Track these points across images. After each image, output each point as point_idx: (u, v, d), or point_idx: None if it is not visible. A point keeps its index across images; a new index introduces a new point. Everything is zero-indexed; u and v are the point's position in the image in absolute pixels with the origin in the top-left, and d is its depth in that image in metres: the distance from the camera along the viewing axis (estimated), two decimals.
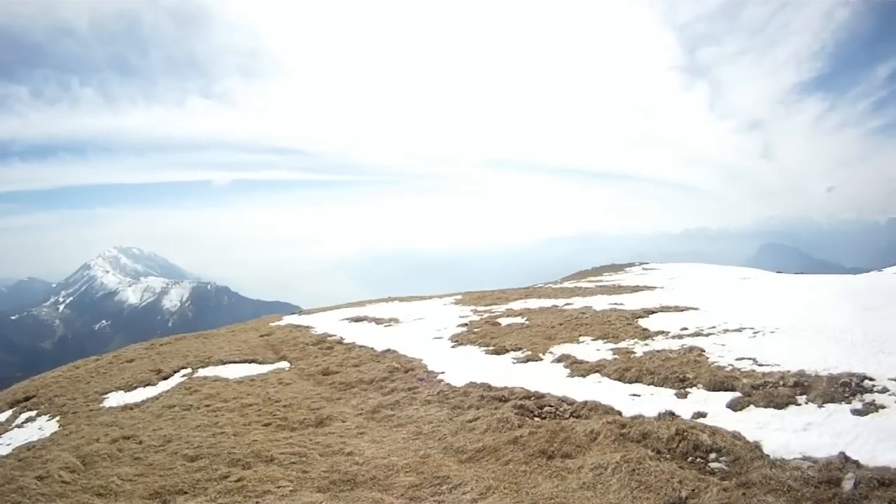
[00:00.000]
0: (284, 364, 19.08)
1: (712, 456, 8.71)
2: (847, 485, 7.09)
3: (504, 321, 23.70)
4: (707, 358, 14.50)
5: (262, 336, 25.29)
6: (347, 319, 28.68)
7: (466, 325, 23.73)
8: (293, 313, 36.43)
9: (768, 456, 8.53)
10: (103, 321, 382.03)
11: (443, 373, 15.56)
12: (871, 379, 11.37)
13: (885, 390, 10.80)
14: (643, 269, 58.03)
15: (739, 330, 17.73)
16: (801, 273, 51.23)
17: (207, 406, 14.18)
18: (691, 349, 15.53)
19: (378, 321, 27.04)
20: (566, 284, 44.89)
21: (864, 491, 6.95)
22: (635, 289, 34.66)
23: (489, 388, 13.34)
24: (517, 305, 29.02)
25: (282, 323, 30.29)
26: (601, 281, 44.73)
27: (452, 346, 19.65)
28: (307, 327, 26.78)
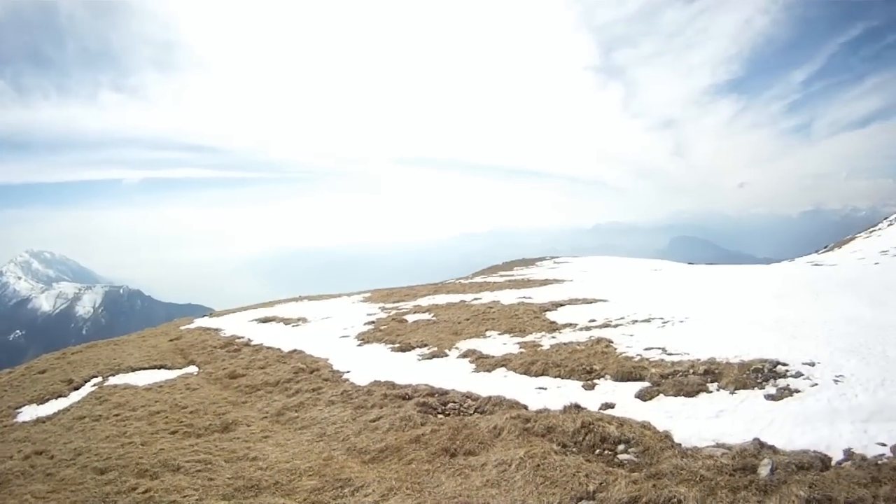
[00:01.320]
0: (193, 369, 18.93)
1: (620, 447, 8.63)
2: (763, 471, 7.05)
3: (411, 318, 23.89)
4: (615, 349, 14.68)
5: (171, 340, 24.98)
6: (256, 320, 28.52)
7: (373, 322, 23.84)
8: (204, 315, 35.98)
9: (679, 445, 8.54)
10: (17, 331, 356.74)
11: (348, 372, 15.44)
12: (784, 364, 11.60)
13: (799, 375, 11.02)
14: (554, 262, 59.18)
15: (648, 320, 18.11)
16: (713, 264, 53.19)
17: (116, 416, 13.82)
18: (599, 340, 15.72)
19: (286, 321, 27.09)
20: (476, 279, 45.61)
21: (783, 476, 6.94)
22: (545, 282, 35.45)
23: (393, 386, 13.32)
24: (425, 302, 29.31)
25: (192, 326, 29.70)
26: (511, 275, 45.58)
27: (359, 345, 19.58)
28: (216, 330, 26.57)
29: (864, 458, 7.42)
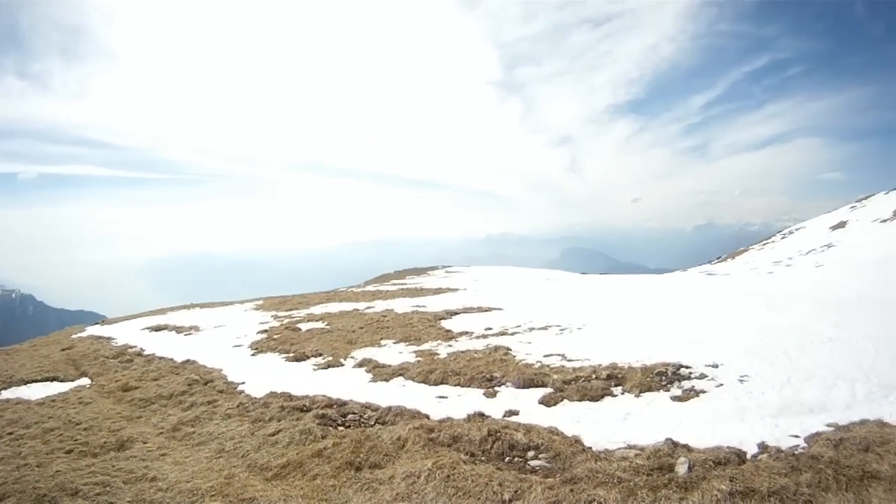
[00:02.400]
0: (85, 381, 18.11)
1: (530, 454, 8.64)
2: (681, 469, 7.22)
3: (305, 326, 23.94)
4: (514, 356, 14.96)
5: (63, 350, 23.95)
6: (148, 329, 27.78)
7: (267, 331, 23.68)
8: (96, 323, 34.65)
9: (591, 449, 8.65)
10: None
11: (243, 383, 15.06)
12: (687, 367, 12.12)
13: (703, 376, 11.53)
14: (446, 272, 59.84)
15: (546, 328, 18.60)
16: (606, 274, 54.87)
17: (10, 434, 12.90)
18: (497, 348, 16.02)
19: (179, 330, 26.52)
20: (368, 288, 46.34)
21: (701, 472, 7.13)
22: (438, 291, 36.34)
23: (290, 397, 13.05)
24: (318, 310, 29.51)
25: (84, 335, 28.59)
26: (404, 284, 46.47)
27: (252, 354, 19.28)
28: (108, 338, 25.72)
29: (779, 450, 7.77)
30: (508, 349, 15.76)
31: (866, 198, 67.15)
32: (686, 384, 11.18)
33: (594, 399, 11.16)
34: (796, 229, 68.62)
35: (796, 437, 8.17)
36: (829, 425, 8.42)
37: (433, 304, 27.76)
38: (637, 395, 11.04)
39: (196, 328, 26.32)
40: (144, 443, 11.38)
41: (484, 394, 12.37)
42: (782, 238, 66.03)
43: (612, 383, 11.81)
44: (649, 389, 11.20)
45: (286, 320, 26.29)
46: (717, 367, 11.94)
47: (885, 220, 53.10)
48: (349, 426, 11.00)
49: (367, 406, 11.92)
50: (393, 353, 17.04)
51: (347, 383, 14.26)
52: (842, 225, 58.29)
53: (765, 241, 69.46)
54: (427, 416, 10.96)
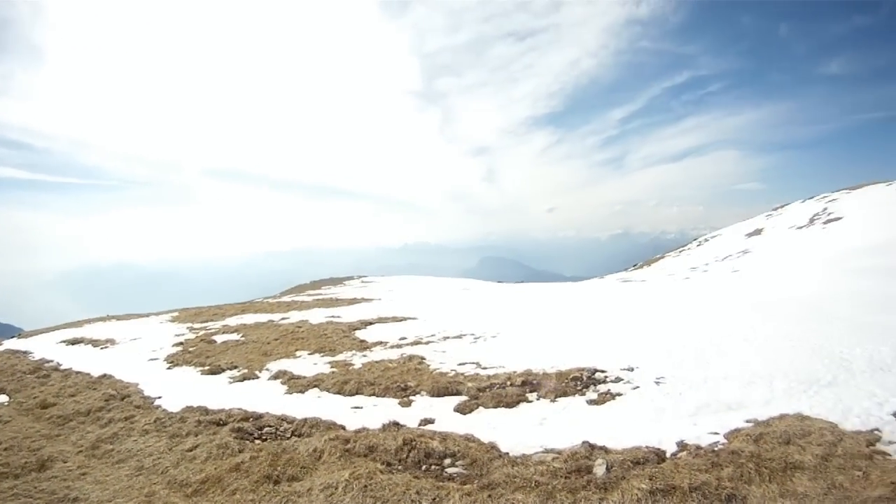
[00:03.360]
0: (3, 398, 17.48)
1: (447, 461, 8.61)
2: (599, 470, 7.29)
3: (220, 338, 23.79)
4: (428, 365, 15.11)
5: None
6: (65, 342, 27.15)
7: (182, 343, 23.43)
8: (13, 337, 33.66)
9: (507, 454, 8.67)
10: None
11: (159, 398, 14.74)
12: (602, 371, 12.36)
13: (618, 380, 11.76)
14: (362, 282, 59.80)
15: (460, 336, 18.88)
16: (522, 282, 55.49)
17: None
18: (411, 358, 16.17)
19: (95, 343, 25.97)
20: (284, 299, 46.29)
21: (620, 472, 7.22)
22: (353, 301, 36.52)
23: (206, 411, 12.82)
24: (233, 321, 29.37)
25: (1, 349, 27.57)
26: (319, 294, 46.62)
27: (168, 368, 19.00)
28: (25, 353, 24.91)
29: (699, 448, 7.96)
30: (423, 358, 15.91)
31: (783, 206, 69.81)
32: (602, 388, 11.39)
33: (509, 405, 11.29)
34: (713, 237, 70.85)
35: (716, 434, 8.39)
36: (748, 421, 8.70)
37: (348, 315, 27.91)
38: (552, 401, 11.18)
39: (112, 341, 25.83)
40: (65, 462, 11.10)
41: (399, 403, 12.39)
42: (699, 245, 68.06)
43: (528, 389, 11.95)
44: (564, 395, 11.37)
45: (201, 332, 26.04)
46: (632, 370, 12.21)
47: (800, 227, 54.99)
48: (266, 439, 10.86)
49: (282, 418, 11.78)
50: (308, 364, 16.96)
51: (263, 396, 14.13)
52: (758, 232, 60.32)
53: (681, 249, 71.47)
54: (343, 427, 10.87)
